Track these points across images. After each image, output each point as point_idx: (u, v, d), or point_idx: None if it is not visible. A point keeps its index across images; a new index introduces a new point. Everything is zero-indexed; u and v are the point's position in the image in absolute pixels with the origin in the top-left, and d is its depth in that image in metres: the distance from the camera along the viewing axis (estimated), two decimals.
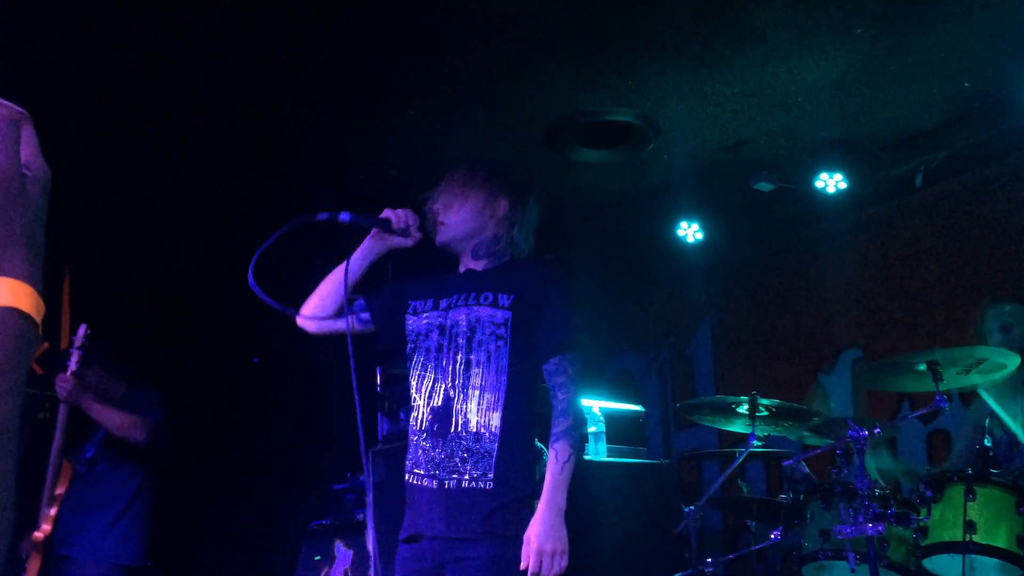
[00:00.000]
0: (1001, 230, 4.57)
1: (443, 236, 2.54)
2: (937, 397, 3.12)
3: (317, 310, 2.56)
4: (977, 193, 4.70)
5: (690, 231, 5.33)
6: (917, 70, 3.88)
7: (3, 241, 0.58)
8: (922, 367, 3.18)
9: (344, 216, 2.46)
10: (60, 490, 3.80)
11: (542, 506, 2.29)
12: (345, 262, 2.54)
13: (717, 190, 4.99)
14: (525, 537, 2.27)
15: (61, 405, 3.70)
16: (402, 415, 4.26)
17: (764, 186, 4.77)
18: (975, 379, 3.34)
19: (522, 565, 2.24)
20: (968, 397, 4.15)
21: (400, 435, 4.05)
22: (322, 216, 2.41)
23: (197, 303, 5.79)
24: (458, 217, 2.52)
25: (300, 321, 2.56)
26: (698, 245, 5.41)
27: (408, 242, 2.53)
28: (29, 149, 0.63)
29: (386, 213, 2.52)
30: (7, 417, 0.56)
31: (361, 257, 2.57)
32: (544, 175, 4.69)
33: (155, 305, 5.59)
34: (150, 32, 3.41)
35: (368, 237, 2.57)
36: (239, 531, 5.56)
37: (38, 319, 0.60)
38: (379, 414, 4.51)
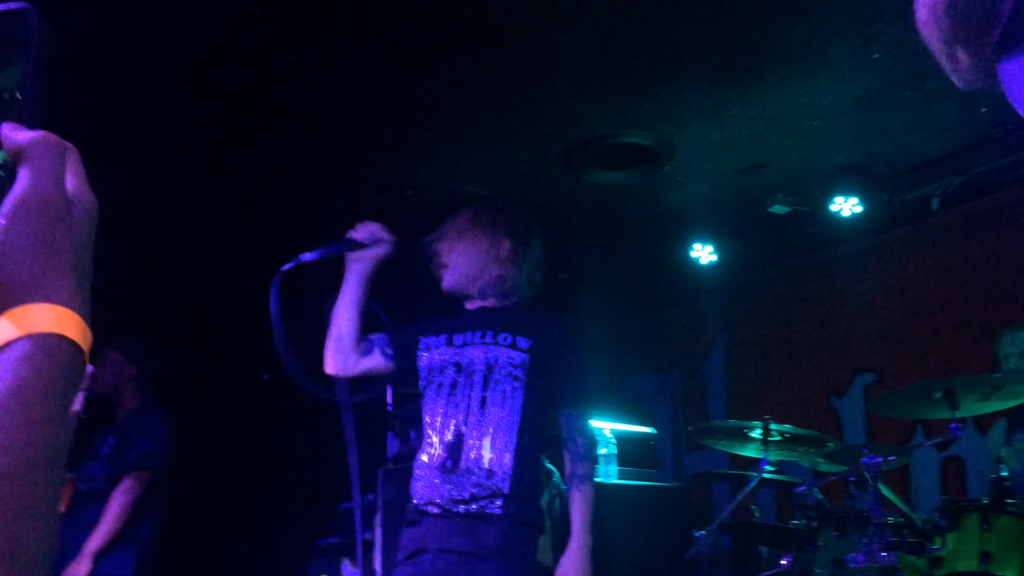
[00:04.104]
0: (1018, 255, 4.53)
1: (449, 281, 2.57)
2: (952, 424, 3.09)
3: (339, 354, 2.54)
4: (994, 218, 4.67)
5: (704, 252, 5.32)
6: (935, 95, 3.86)
7: (49, 268, 0.58)
8: (938, 395, 3.15)
9: (307, 256, 2.38)
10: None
11: (575, 544, 2.38)
12: (339, 297, 2.55)
13: (732, 212, 4.98)
14: (558, 572, 2.36)
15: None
16: (412, 435, 4.26)
17: (779, 209, 4.75)
18: (994, 406, 3.30)
19: None
20: (984, 425, 4.11)
21: (410, 455, 4.04)
22: (287, 267, 2.32)
23: (208, 317, 5.80)
24: (462, 261, 2.55)
25: (330, 369, 2.54)
26: (712, 267, 5.39)
27: (386, 249, 2.51)
28: (76, 180, 0.64)
29: (349, 233, 2.51)
30: (56, 445, 0.56)
31: (350, 287, 2.54)
32: (560, 196, 4.70)
33: (166, 319, 5.61)
34: (169, 52, 3.44)
35: (348, 264, 2.54)
36: (247, 549, 5.54)
37: (85, 347, 0.60)
38: (389, 433, 4.50)
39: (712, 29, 3.40)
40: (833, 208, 4.66)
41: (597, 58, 3.57)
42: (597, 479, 4.25)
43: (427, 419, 2.50)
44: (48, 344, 0.57)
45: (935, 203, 4.65)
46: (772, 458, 3.49)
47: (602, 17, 3.31)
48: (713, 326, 5.90)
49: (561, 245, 5.18)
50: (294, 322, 2.31)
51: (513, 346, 2.46)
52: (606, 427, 4.47)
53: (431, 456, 2.44)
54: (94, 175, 0.65)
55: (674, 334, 6.19)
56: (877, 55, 3.57)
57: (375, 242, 2.49)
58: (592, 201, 4.82)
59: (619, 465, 4.40)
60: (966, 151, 4.39)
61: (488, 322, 2.52)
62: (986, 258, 4.68)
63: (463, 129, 4.06)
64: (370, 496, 4.26)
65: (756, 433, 3.51)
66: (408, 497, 2.49)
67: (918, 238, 4.96)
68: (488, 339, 2.47)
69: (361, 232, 2.49)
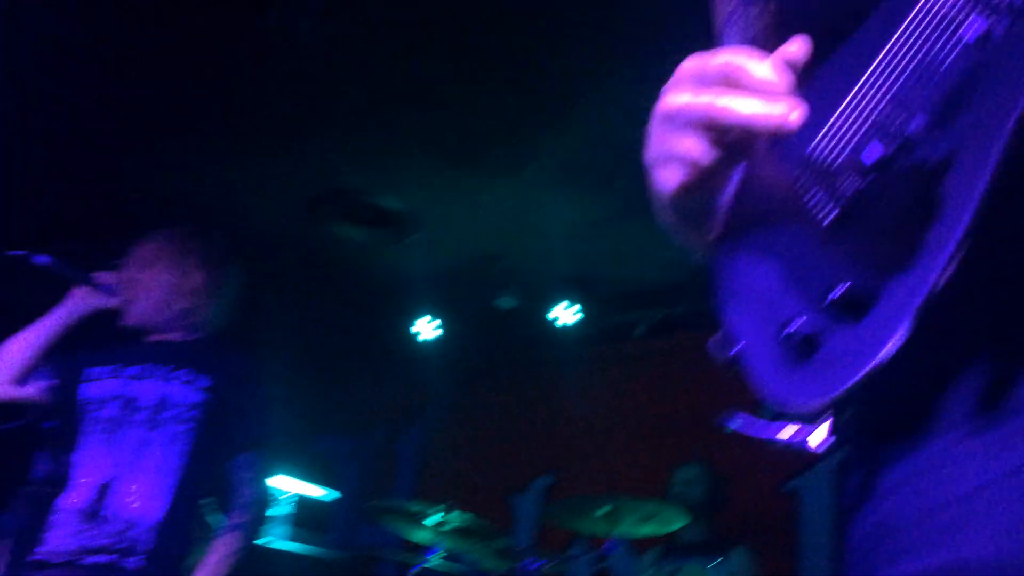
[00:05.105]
0: (696, 395, 4.97)
1: (132, 316, 2.36)
2: (609, 542, 3.27)
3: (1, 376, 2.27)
4: (683, 356, 5.08)
5: (429, 328, 5.35)
6: (661, 232, 4.18)
7: None
8: (601, 512, 3.33)
9: (39, 258, 2.20)
10: None
11: None
12: (38, 322, 2.32)
13: (465, 294, 5.08)
14: None
15: None
16: (64, 461, 3.81)
17: (506, 303, 4.92)
18: (647, 530, 3.54)
19: None
20: (639, 547, 4.40)
21: (57, 482, 3.61)
22: (13, 253, 2.15)
23: None
24: (148, 293, 2.36)
25: None
26: (433, 343, 5.43)
27: (115, 302, 2.36)
28: None
29: (97, 275, 2.36)
30: None
31: (56, 319, 2.34)
32: (299, 241, 4.55)
33: None
34: None
35: (71, 295, 2.37)
36: None
37: None
38: (39, 453, 3.99)
39: (473, 118, 3.50)
40: (552, 314, 4.91)
41: (363, 115, 3.54)
42: (264, 541, 4.05)
43: (79, 457, 2.25)
44: None
45: (639, 330, 5.04)
46: (444, 546, 3.50)
47: (375, 79, 3.31)
48: (419, 402, 5.91)
49: (284, 289, 5.01)
50: None
51: (192, 384, 2.28)
52: (286, 484, 4.28)
53: (74, 499, 2.19)
54: None
55: (379, 400, 6.12)
56: (619, 184, 3.84)
57: (109, 292, 2.33)
58: (329, 253, 4.72)
59: (293, 526, 4.22)
60: (674, 289, 4.81)
61: (168, 356, 2.32)
62: (670, 391, 5.09)
63: (214, 146, 3.83)
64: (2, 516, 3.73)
65: (432, 520, 3.51)
66: (39, 533, 2.19)
67: (620, 358, 5.31)
68: (166, 374, 2.28)
69: (103, 277, 2.34)
